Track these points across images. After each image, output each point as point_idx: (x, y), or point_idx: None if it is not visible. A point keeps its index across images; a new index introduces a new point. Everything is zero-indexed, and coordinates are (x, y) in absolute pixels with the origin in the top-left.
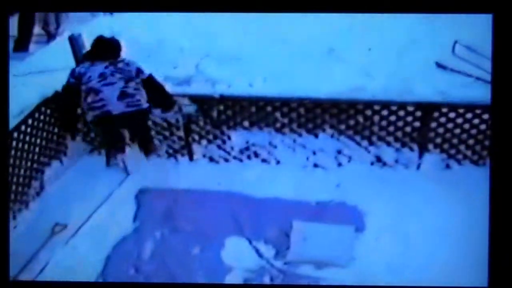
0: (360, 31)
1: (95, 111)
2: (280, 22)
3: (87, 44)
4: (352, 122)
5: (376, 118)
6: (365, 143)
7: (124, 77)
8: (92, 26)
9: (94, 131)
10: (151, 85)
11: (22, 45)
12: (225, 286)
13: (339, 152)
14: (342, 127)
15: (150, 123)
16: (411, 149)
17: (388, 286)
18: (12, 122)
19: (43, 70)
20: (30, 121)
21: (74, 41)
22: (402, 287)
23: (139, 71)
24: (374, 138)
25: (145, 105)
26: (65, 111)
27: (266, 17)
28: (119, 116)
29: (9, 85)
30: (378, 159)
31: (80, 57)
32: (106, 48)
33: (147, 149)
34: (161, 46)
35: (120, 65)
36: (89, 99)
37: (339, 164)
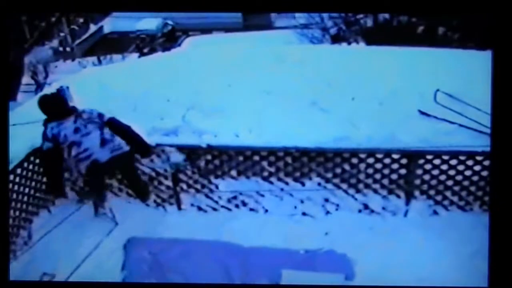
0: (342, 82)
1: (84, 162)
2: (263, 75)
3: (75, 96)
4: (338, 170)
5: (362, 166)
6: (352, 191)
7: (96, 126)
8: (80, 77)
9: (84, 181)
10: (114, 127)
11: (11, 94)
12: (225, 286)
13: (326, 200)
14: (329, 175)
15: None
16: (398, 196)
17: (388, 286)
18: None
19: (31, 121)
20: (18, 171)
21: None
22: (402, 287)
23: (100, 116)
24: (361, 186)
25: (127, 147)
26: (51, 174)
27: (249, 69)
28: (107, 162)
29: (9, 85)
30: (366, 206)
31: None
32: (56, 103)
33: (142, 192)
34: (147, 97)
35: (85, 116)
36: (74, 152)
37: (327, 212)
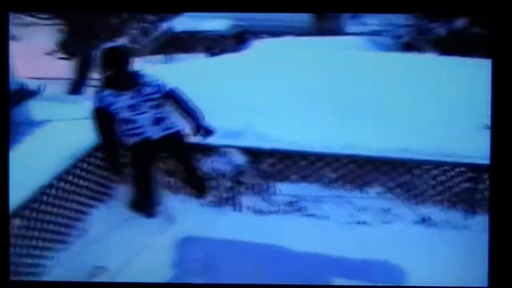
0: (412, 92)
1: (134, 137)
2: (333, 80)
3: None
4: (401, 181)
5: (426, 177)
6: (412, 202)
7: (153, 104)
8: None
9: (131, 158)
10: (174, 99)
11: (77, 88)
12: (225, 286)
13: (385, 210)
14: (391, 184)
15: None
16: (459, 210)
17: (388, 286)
18: (64, 164)
19: None
20: (81, 164)
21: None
22: (403, 287)
23: (160, 87)
24: (422, 198)
25: (180, 126)
26: (104, 134)
27: (319, 74)
28: (159, 140)
29: (9, 85)
30: (425, 218)
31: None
32: (121, 59)
33: (198, 186)
34: (214, 97)
35: (144, 91)
36: (124, 127)
37: (385, 222)
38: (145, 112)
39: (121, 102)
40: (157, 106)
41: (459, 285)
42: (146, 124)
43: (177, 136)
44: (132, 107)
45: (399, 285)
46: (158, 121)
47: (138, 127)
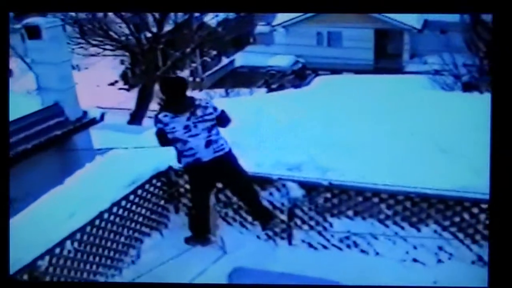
0: (471, 130)
1: (187, 158)
2: (393, 117)
3: None
4: (457, 219)
5: (482, 216)
6: (468, 241)
7: (206, 126)
8: None
9: (189, 182)
10: (222, 119)
11: (137, 118)
12: (225, 286)
13: (440, 248)
14: (447, 223)
15: None
16: None
17: (388, 286)
18: (123, 192)
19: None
20: (139, 192)
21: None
22: (403, 287)
23: (214, 109)
24: (478, 237)
25: (228, 147)
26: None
27: (379, 111)
28: (210, 162)
29: (9, 84)
30: (480, 258)
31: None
32: (178, 87)
33: (259, 211)
34: (274, 131)
35: (199, 112)
36: (178, 147)
37: (439, 261)
38: (198, 134)
39: (177, 123)
40: (209, 128)
41: (459, 285)
42: (198, 146)
43: (228, 157)
44: (187, 128)
45: (399, 285)
46: (208, 143)
47: (191, 149)
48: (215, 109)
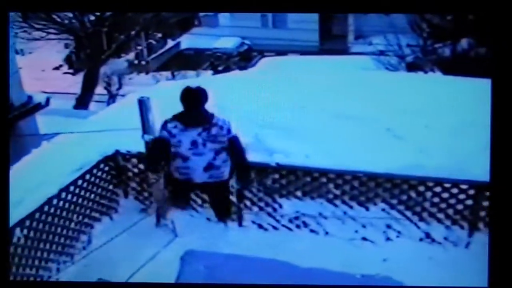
0: (416, 111)
1: (180, 176)
2: (337, 99)
3: (154, 108)
4: (404, 197)
5: (429, 194)
6: (415, 218)
7: (214, 147)
8: (155, 90)
9: (172, 189)
10: (232, 145)
11: (83, 102)
12: (225, 286)
13: (388, 226)
14: (394, 201)
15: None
16: (462, 227)
17: (388, 286)
18: (70, 177)
19: (105, 129)
20: (87, 177)
21: (142, 104)
22: (403, 287)
23: (229, 131)
24: (425, 214)
25: (227, 176)
26: (152, 159)
27: (324, 92)
28: (200, 184)
29: (9, 84)
30: (428, 235)
31: (146, 120)
32: (199, 99)
33: (223, 214)
34: (220, 114)
35: (213, 130)
36: (176, 164)
37: (388, 239)
38: (203, 154)
39: (185, 136)
40: (217, 151)
41: (459, 285)
42: (196, 167)
43: (221, 185)
44: (193, 144)
45: (399, 285)
46: (209, 167)
47: (187, 167)
48: (229, 131)
